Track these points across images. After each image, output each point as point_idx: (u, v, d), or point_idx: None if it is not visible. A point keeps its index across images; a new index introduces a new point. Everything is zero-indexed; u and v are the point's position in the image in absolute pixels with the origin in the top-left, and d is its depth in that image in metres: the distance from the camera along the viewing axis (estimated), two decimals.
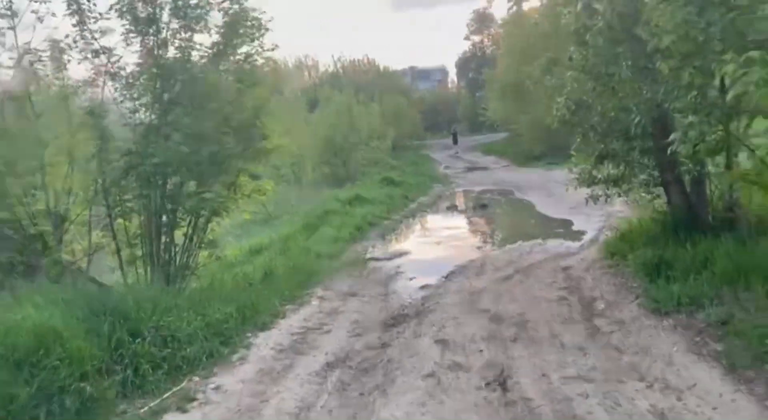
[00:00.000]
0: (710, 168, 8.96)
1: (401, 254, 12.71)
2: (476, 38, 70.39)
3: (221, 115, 10.37)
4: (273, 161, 22.71)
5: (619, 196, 9.59)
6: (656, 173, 9.17)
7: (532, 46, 30.83)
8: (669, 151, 7.10)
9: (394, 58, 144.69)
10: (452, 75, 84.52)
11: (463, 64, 72.49)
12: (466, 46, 68.63)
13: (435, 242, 14.11)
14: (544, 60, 8.73)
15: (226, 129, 10.18)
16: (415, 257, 12.51)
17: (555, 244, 12.54)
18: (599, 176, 9.55)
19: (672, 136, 6.90)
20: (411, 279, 10.53)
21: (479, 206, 18.94)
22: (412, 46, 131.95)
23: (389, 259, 12.36)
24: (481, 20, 66.71)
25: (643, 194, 9.61)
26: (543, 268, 10.20)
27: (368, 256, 12.70)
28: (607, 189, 9.67)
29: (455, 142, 47.84)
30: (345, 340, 7.26)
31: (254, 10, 10.31)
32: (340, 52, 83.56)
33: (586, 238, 12.99)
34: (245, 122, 10.62)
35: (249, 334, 7.50)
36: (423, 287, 9.79)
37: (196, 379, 6.24)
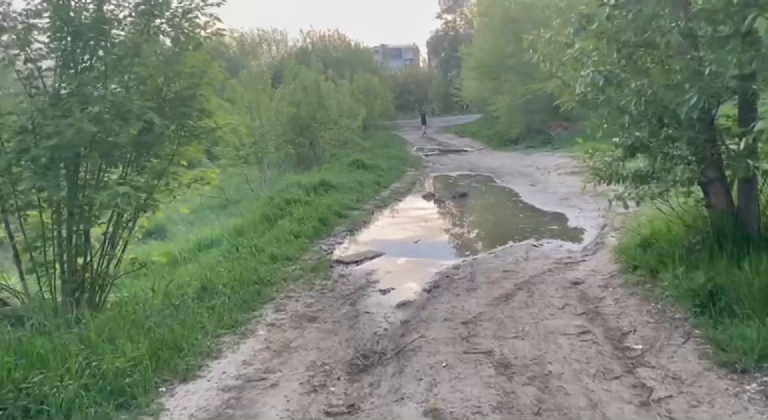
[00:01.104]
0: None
1: (373, 256, 10.57)
2: (448, 17, 68.17)
3: (151, 85, 8.13)
4: (228, 141, 20.50)
5: (652, 198, 7.50)
6: (696, 169, 7.14)
7: (513, 21, 28.75)
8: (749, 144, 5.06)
9: (364, 36, 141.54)
10: (424, 54, 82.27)
11: (435, 44, 70.34)
12: (438, 24, 66.33)
13: (412, 239, 11.99)
14: (576, 18, 6.54)
15: (156, 103, 7.92)
16: (389, 260, 10.39)
17: (553, 247, 10.52)
18: (626, 172, 7.46)
19: (759, 126, 4.91)
20: (385, 292, 8.41)
21: (458, 195, 16.85)
22: (382, 24, 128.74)
23: (359, 262, 10.22)
24: None
25: (682, 196, 7.52)
26: (548, 283, 8.15)
27: (334, 258, 10.52)
28: (635, 188, 7.59)
29: (424, 122, 46.04)
30: (296, 400, 5.11)
31: None
32: (309, 26, 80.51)
33: (588, 239, 10.99)
34: (181, 95, 8.34)
35: (163, 390, 5.30)
36: (401, 305, 7.68)
37: None
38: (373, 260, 10.39)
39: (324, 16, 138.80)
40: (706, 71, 5.66)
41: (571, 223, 12.52)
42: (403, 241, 11.93)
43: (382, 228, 13.35)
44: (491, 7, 31.82)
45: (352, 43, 54.59)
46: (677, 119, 6.58)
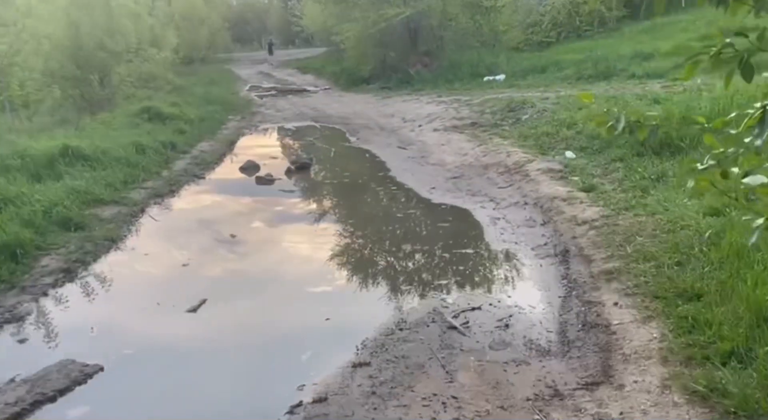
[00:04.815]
0: None
1: (69, 385, 3.90)
2: None
3: None
4: None
5: None
6: None
7: None
8: None
9: None
10: None
11: None
12: None
13: (188, 297, 5.32)
14: None
15: None
16: (103, 402, 3.80)
17: (493, 334, 4.44)
18: None
19: None
20: None
21: (296, 166, 10.28)
22: None
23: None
24: None
25: None
26: None
27: None
28: None
29: (271, 52, 38.27)
30: None
31: None
32: None
33: (548, 293, 5.05)
34: None
35: None
36: None
37: None
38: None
39: None
40: None
41: (492, 240, 6.52)
42: (170, 304, 5.25)
43: (139, 259, 6.43)
44: None
45: None
46: None
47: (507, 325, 4.56)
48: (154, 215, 7.89)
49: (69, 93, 18.24)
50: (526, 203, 7.52)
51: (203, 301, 5.14)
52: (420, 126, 13.22)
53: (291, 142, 13.26)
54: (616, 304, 4.54)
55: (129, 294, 5.41)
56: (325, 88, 23.75)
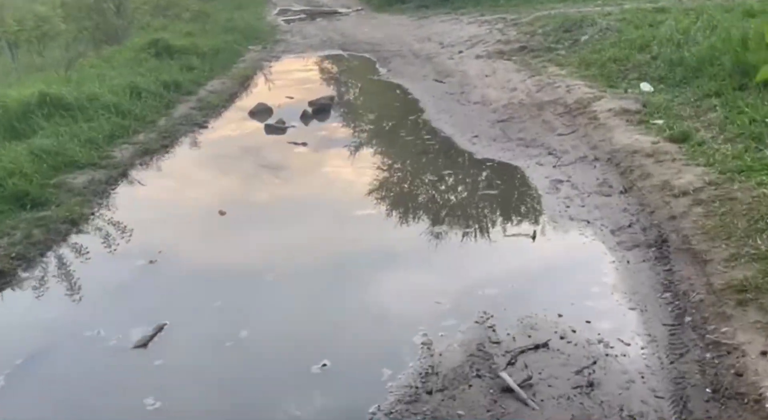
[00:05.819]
0: None
1: None
2: None
3: None
4: None
5: None
6: None
7: None
8: None
9: None
10: None
11: None
12: None
13: (141, 317, 3.86)
14: None
15: None
16: None
17: None
18: None
19: None
20: None
21: (314, 109, 8.52)
22: None
23: None
24: None
25: None
26: None
27: None
28: None
29: None
30: None
31: None
32: None
33: (644, 317, 3.37)
34: None
35: None
36: None
37: None
38: None
39: None
40: None
41: (555, 216, 4.78)
42: (115, 333, 3.77)
43: (97, 253, 4.86)
44: None
45: None
46: None
47: (591, 384, 2.93)
48: (139, 180, 6.39)
49: (85, 24, 16.60)
50: (596, 158, 5.68)
51: (160, 328, 3.66)
52: (460, 52, 11.13)
53: (313, 76, 11.39)
54: (764, 354, 2.84)
55: (67, 315, 3.97)
56: (358, 10, 21.33)
